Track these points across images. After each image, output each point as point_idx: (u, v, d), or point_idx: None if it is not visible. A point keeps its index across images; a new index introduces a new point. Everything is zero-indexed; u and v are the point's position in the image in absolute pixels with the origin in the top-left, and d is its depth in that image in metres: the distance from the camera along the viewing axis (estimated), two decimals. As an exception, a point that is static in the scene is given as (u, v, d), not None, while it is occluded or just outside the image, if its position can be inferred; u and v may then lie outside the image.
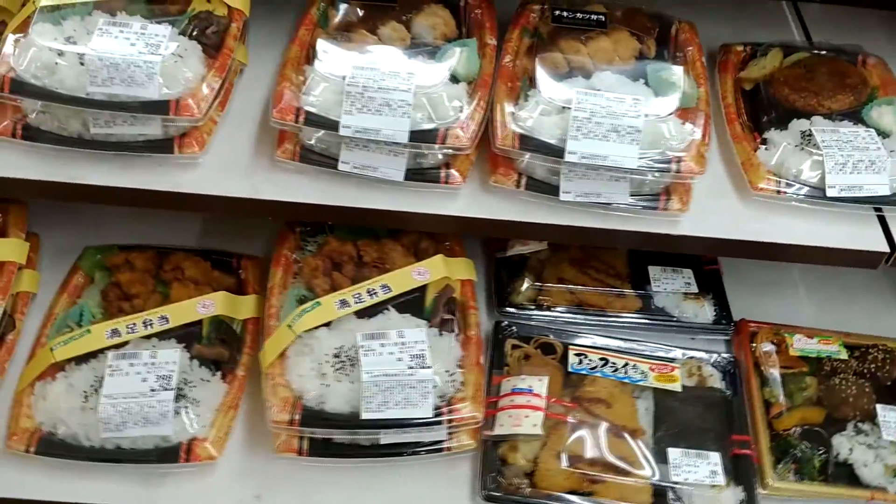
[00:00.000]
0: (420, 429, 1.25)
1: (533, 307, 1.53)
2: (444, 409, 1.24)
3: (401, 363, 1.23)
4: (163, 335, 1.34)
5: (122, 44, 1.18)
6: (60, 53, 1.19)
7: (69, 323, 1.39)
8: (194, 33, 1.27)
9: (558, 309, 1.53)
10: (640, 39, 1.40)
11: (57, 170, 1.22)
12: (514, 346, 1.44)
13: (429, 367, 1.23)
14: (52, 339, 1.35)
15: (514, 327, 1.48)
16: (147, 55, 1.18)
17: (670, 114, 1.25)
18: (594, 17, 1.40)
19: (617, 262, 1.59)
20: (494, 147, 1.23)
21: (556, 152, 1.20)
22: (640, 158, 1.20)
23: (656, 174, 1.22)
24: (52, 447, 1.25)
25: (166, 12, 1.29)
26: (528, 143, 1.21)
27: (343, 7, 1.38)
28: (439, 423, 1.23)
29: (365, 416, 1.21)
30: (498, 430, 1.30)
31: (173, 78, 1.21)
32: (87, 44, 1.18)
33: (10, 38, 1.21)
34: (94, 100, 1.18)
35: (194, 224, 1.66)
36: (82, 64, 1.17)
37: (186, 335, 1.36)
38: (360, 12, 1.38)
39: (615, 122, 1.19)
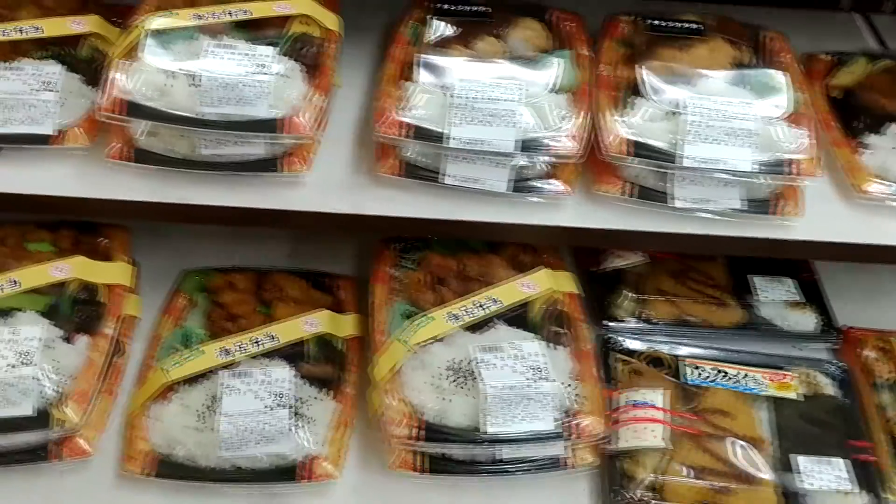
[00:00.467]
0: (541, 444, 1.22)
1: (634, 320, 1.51)
2: (570, 424, 1.22)
3: (521, 375, 1.21)
4: (268, 355, 1.33)
5: (231, 65, 1.20)
6: (172, 76, 1.21)
7: (175, 345, 1.39)
8: (294, 54, 1.28)
9: (662, 322, 1.50)
10: (735, 46, 1.39)
11: (165, 191, 1.24)
12: (621, 361, 1.42)
13: (552, 380, 1.21)
14: (160, 361, 1.34)
15: (619, 341, 1.45)
16: (257, 75, 1.19)
17: (779, 118, 1.24)
18: (690, 25, 1.40)
19: (716, 273, 1.56)
20: (602, 154, 1.22)
21: (668, 157, 1.19)
22: (754, 162, 1.19)
23: (771, 177, 1.21)
24: (170, 469, 1.24)
25: (264, 35, 1.31)
26: (638, 148, 1.20)
27: (436, 24, 1.38)
28: (564, 436, 1.21)
29: (490, 430, 1.19)
30: (621, 445, 1.27)
31: (281, 97, 1.22)
32: (198, 65, 1.19)
33: (120, 63, 1.23)
34: (206, 120, 1.19)
35: (281, 247, 1.67)
36: (192, 85, 1.18)
37: (292, 355, 1.34)
38: (454, 29, 1.38)
39: (729, 124, 1.18)
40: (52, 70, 1.30)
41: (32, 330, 1.24)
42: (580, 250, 1.62)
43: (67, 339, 1.29)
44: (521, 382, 1.21)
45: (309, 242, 1.68)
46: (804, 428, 1.32)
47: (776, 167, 1.20)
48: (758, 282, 1.56)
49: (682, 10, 1.46)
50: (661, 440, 1.25)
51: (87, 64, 1.36)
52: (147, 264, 1.58)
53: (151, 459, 1.25)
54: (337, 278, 1.55)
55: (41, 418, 1.20)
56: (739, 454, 1.26)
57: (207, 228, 1.64)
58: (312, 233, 1.68)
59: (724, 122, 1.19)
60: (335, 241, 1.67)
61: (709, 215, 1.24)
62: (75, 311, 1.33)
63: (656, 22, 1.41)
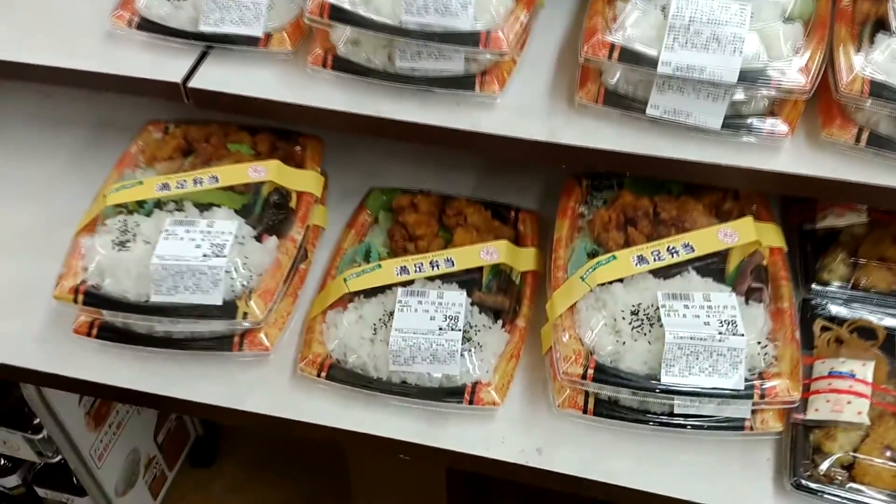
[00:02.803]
0: (722, 402, 1.13)
1: (847, 286, 1.35)
2: (756, 383, 1.12)
3: (709, 327, 1.12)
4: (445, 278, 1.32)
5: (440, -28, 1.16)
6: None
7: (356, 258, 1.41)
8: (501, -32, 1.23)
9: (878, 290, 1.34)
10: None
11: (360, 102, 1.23)
12: (825, 328, 1.28)
13: (741, 335, 1.11)
14: (341, 271, 1.36)
15: (825, 306, 1.31)
16: (463, -17, 1.15)
17: None
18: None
19: (952, 243, 1.37)
20: (836, 94, 1.09)
21: (914, 101, 1.04)
22: None
23: None
24: (343, 374, 1.26)
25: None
26: (880, 89, 1.06)
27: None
28: (750, 396, 1.11)
29: (665, 379, 1.11)
30: (813, 415, 1.15)
31: (484, 9, 1.17)
32: (404, -28, 1.17)
33: None
34: (407, 29, 1.17)
35: (467, 175, 1.64)
36: None
37: (468, 281, 1.32)
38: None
39: None
40: None
41: (227, 224, 1.29)
42: (793, 203, 1.47)
43: (258, 238, 1.33)
44: (709, 334, 1.11)
45: (496, 174, 1.64)
46: None
47: None
48: None
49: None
50: (861, 415, 1.12)
51: None
52: (336, 178, 1.60)
53: (326, 363, 1.27)
54: (520, 211, 1.50)
55: (228, 308, 1.25)
56: (957, 445, 1.11)
57: (398, 148, 1.65)
58: (501, 163, 1.64)
59: None
60: (522, 173, 1.62)
61: (959, 172, 1.08)
62: (267, 213, 1.37)
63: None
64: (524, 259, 1.40)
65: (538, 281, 1.40)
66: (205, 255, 1.24)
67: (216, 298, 1.24)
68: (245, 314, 1.25)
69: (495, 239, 1.39)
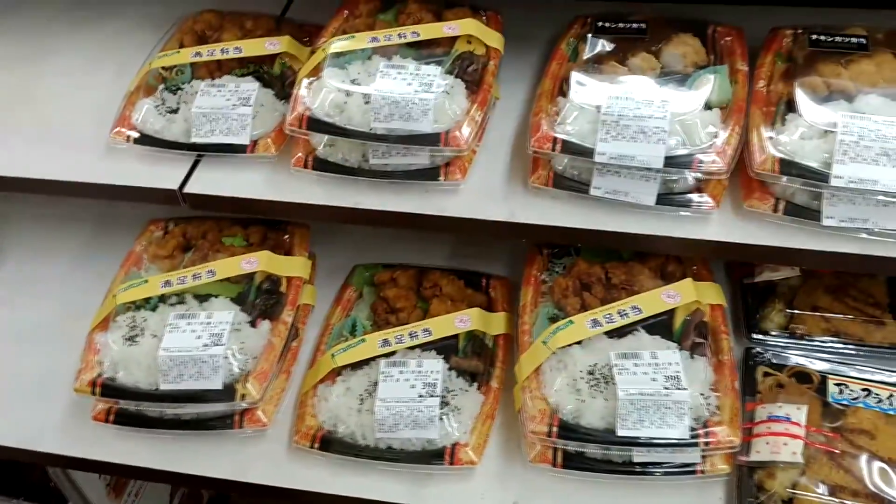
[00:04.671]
0: (674, 449, 1.26)
1: (784, 334, 1.50)
2: (701, 432, 1.25)
3: (655, 383, 1.26)
4: (425, 347, 1.46)
5: (401, 84, 1.30)
6: (348, 94, 1.33)
7: (343, 333, 1.54)
8: (458, 72, 1.38)
9: (812, 337, 1.49)
10: (905, 61, 1.35)
11: (340, 196, 1.36)
12: (766, 374, 1.42)
13: (684, 389, 1.25)
14: (330, 346, 1.50)
15: (765, 354, 1.45)
16: (422, 93, 1.29)
17: (942, 136, 1.20)
18: (854, 39, 1.36)
19: (876, 291, 1.52)
20: (752, 172, 1.23)
21: (819, 177, 1.18)
22: (914, 182, 1.15)
23: (929, 198, 1.18)
24: (333, 444, 1.39)
25: (433, 54, 1.41)
26: (788, 167, 1.20)
27: (593, 41, 1.43)
28: (695, 444, 1.25)
29: (620, 432, 1.25)
30: (755, 456, 1.29)
31: (443, 113, 1.31)
32: (371, 85, 1.31)
33: (305, 81, 1.37)
34: (377, 134, 1.31)
35: (443, 247, 1.78)
36: (367, 103, 1.30)
37: (444, 347, 1.46)
38: (610, 45, 1.42)
39: (886, 145, 1.16)
40: (250, 87, 1.44)
41: (224, 315, 1.43)
42: (733, 261, 1.62)
43: (252, 324, 1.47)
44: (656, 389, 1.25)
45: (469, 244, 1.78)
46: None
47: (936, 188, 1.16)
48: (922, 301, 1.50)
49: (852, 20, 1.42)
50: (795, 455, 1.25)
51: (279, 80, 1.50)
52: (324, 257, 1.74)
53: (318, 435, 1.40)
54: (491, 278, 1.65)
55: (228, 392, 1.38)
56: (879, 476, 1.24)
57: (379, 228, 1.79)
58: (470, 235, 1.78)
59: (881, 143, 1.16)
60: (492, 243, 1.76)
61: (864, 235, 1.21)
62: (260, 299, 1.51)
63: (820, 36, 1.37)
64: (496, 324, 1.54)
65: (510, 343, 1.53)
66: (205, 345, 1.38)
67: (217, 383, 1.37)
68: (243, 395, 1.38)
69: (469, 307, 1.52)
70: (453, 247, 1.79)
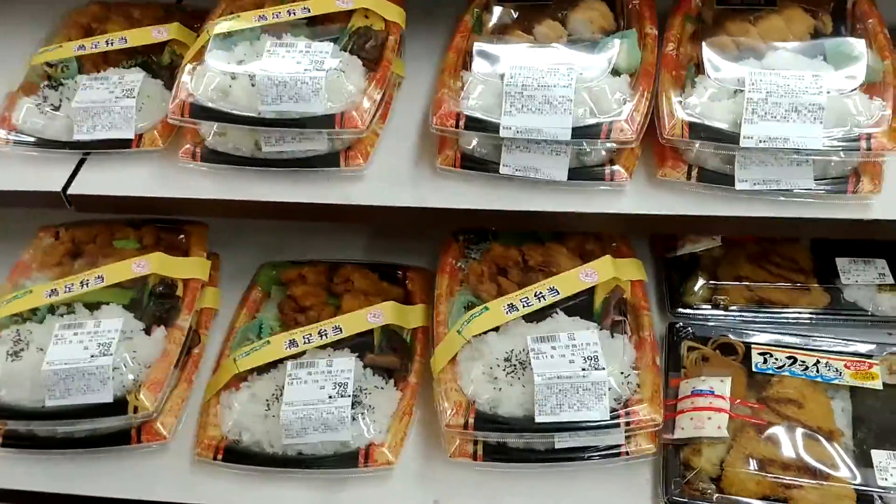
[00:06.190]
0: (596, 432, 1.20)
1: (708, 307, 1.46)
2: (621, 412, 1.19)
3: (573, 365, 1.20)
4: (337, 345, 1.37)
5: (289, 63, 1.23)
6: (233, 77, 1.25)
7: (249, 336, 1.45)
8: (354, 48, 1.31)
9: (736, 308, 1.44)
10: (813, 15, 1.31)
11: (233, 189, 1.29)
12: (691, 349, 1.37)
13: (602, 369, 1.19)
14: (234, 351, 1.41)
15: (689, 328, 1.40)
16: (312, 72, 1.22)
17: (854, 89, 1.16)
18: (764, -6, 1.33)
19: (799, 256, 1.48)
20: (662, 138, 1.19)
21: (730, 138, 1.14)
22: (826, 138, 1.12)
23: (843, 154, 1.14)
24: (238, 455, 1.30)
25: (327, 31, 1.34)
26: (698, 130, 1.16)
27: (497, 10, 1.37)
28: (616, 425, 1.19)
29: (539, 419, 1.18)
30: (679, 434, 1.24)
31: (337, 92, 1.24)
32: (257, 65, 1.23)
33: (188, 66, 1.29)
34: (266, 119, 1.23)
35: (359, 239, 1.71)
36: (253, 85, 1.22)
37: (359, 345, 1.38)
38: (515, 14, 1.37)
39: (795, 100, 1.12)
40: (134, 78, 1.37)
41: (113, 322, 1.33)
42: (656, 235, 1.57)
43: (147, 331, 1.37)
44: (573, 371, 1.19)
45: (386, 235, 1.71)
46: (887, 420, 1.24)
47: (849, 142, 1.13)
48: (843, 264, 1.46)
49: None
50: (720, 430, 1.21)
51: (167, 69, 1.43)
52: (229, 258, 1.65)
53: (221, 446, 1.31)
54: (408, 270, 1.57)
55: (119, 405, 1.28)
56: (808, 446, 1.20)
57: (287, 222, 1.71)
58: (387, 225, 1.71)
59: (790, 98, 1.12)
60: (411, 232, 1.69)
61: (779, 196, 1.18)
62: (154, 305, 1.41)
63: (729, -7, 1.34)
64: (413, 316, 1.46)
65: (428, 336, 1.46)
66: (92, 356, 1.28)
67: (106, 396, 1.28)
68: (136, 408, 1.28)
69: (383, 300, 1.45)
70: (369, 239, 1.71)
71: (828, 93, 1.13)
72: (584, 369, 1.19)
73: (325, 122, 1.23)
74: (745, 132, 1.13)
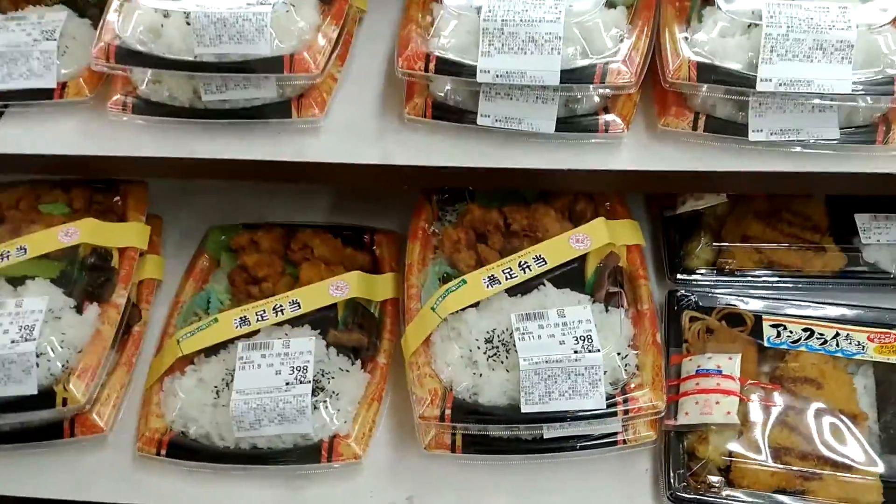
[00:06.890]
0: (587, 423, 1.07)
1: (712, 272, 1.31)
2: (619, 398, 1.05)
3: (564, 346, 1.05)
4: (295, 321, 1.22)
5: (228, -2, 1.06)
6: (166, 14, 1.10)
7: (196, 311, 1.30)
8: (306, -22, 1.15)
9: (744, 272, 1.30)
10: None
11: (171, 145, 1.14)
12: (693, 319, 1.22)
13: (597, 351, 1.04)
14: (179, 329, 1.25)
15: (691, 296, 1.25)
16: (256, 6, 1.06)
17: (887, 24, 1.02)
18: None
19: (814, 213, 1.33)
20: (665, 82, 1.05)
21: (744, 81, 1.00)
22: (854, 81, 0.98)
23: (871, 99, 1.00)
24: (184, 450, 1.15)
25: (276, -39, 1.16)
26: (707, 72, 1.02)
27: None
28: (613, 414, 1.05)
29: (525, 409, 1.04)
30: (683, 420, 1.10)
31: (286, 30, 1.09)
32: (193, 0, 1.07)
33: (115, 3, 1.14)
34: (202, 62, 1.08)
35: (321, 199, 1.55)
36: (189, 23, 1.07)
37: (321, 320, 1.23)
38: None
39: (820, 36, 0.98)
40: (56, 17, 1.23)
41: (36, 302, 1.17)
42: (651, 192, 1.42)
43: (78, 309, 1.21)
44: (564, 354, 1.04)
45: (353, 195, 1.55)
46: (916, 400, 1.11)
47: (881, 86, 0.99)
48: (863, 221, 1.31)
49: None
50: (730, 416, 1.07)
51: (97, 7, 1.26)
52: (174, 221, 1.50)
53: (165, 440, 1.16)
54: (375, 233, 1.41)
55: (46, 396, 1.13)
56: (829, 432, 1.07)
57: (241, 182, 1.54)
58: (350, 185, 1.54)
59: (814, 34, 0.98)
60: (379, 191, 1.53)
61: (798, 148, 1.05)
62: (87, 278, 1.25)
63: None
64: (381, 287, 1.31)
65: (400, 310, 1.31)
66: (13, 342, 1.12)
67: (30, 387, 1.12)
68: (65, 400, 1.13)
69: (348, 269, 1.29)
70: (332, 199, 1.56)
71: (857, 28, 0.98)
72: (576, 351, 1.04)
73: (272, 65, 1.08)
74: (762, 74, 0.98)
